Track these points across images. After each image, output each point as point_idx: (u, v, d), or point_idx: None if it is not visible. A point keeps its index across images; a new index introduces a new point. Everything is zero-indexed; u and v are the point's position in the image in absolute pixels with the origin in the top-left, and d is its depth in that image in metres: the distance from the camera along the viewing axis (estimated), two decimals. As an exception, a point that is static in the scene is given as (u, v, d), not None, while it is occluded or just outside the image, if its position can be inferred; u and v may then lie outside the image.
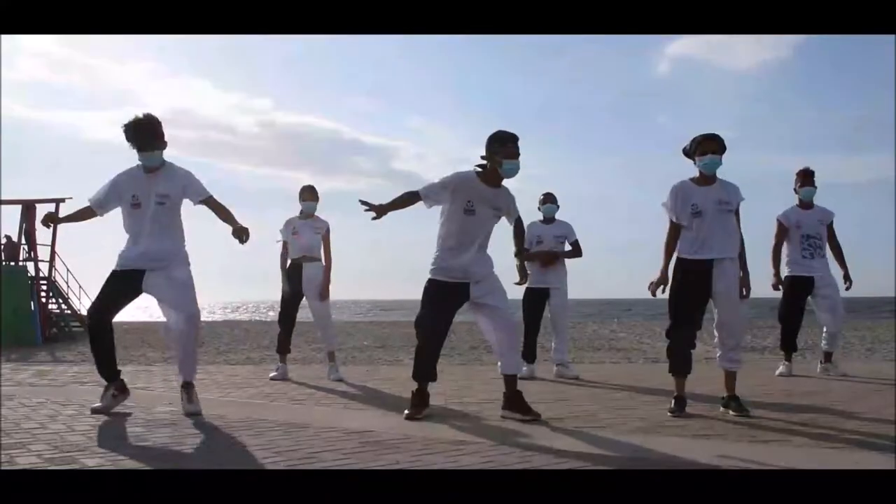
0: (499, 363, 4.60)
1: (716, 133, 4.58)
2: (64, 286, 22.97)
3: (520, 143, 4.47)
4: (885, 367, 8.01)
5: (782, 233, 6.72)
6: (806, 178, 6.66)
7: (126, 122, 4.54)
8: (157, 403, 5.04)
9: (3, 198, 21.68)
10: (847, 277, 6.72)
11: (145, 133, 4.51)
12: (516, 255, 4.79)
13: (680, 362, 4.67)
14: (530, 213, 7.00)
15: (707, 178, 4.60)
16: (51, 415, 4.52)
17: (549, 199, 6.95)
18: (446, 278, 4.49)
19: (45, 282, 22.17)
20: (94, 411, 4.55)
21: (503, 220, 4.67)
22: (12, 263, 21.66)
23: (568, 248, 6.96)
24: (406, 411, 4.47)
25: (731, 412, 4.56)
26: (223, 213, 4.69)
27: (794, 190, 6.75)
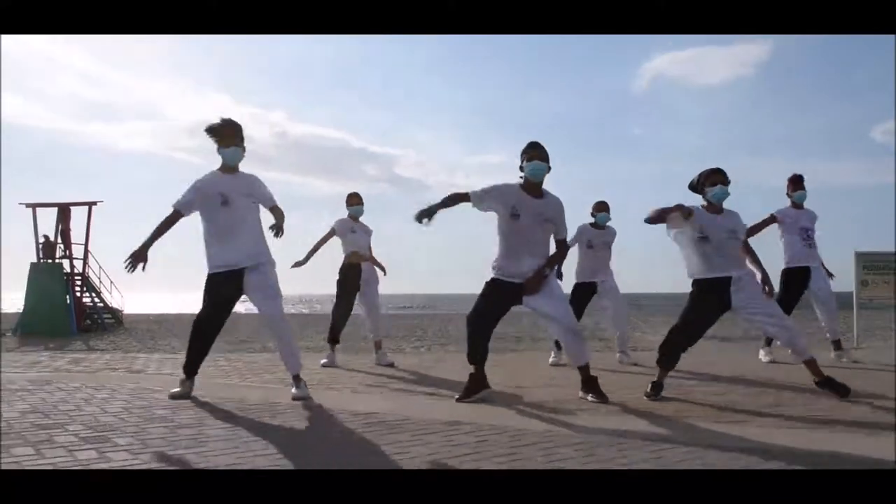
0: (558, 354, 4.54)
1: (719, 167, 4.66)
2: (97, 281, 23.01)
3: (544, 151, 4.45)
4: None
5: (767, 223, 6.62)
6: (798, 183, 6.66)
7: (214, 121, 4.55)
8: (182, 388, 5.04)
9: (37, 201, 21.71)
10: (829, 273, 6.86)
11: (234, 130, 4.52)
12: (540, 269, 4.47)
13: (671, 360, 4.71)
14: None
15: (716, 208, 4.65)
16: (85, 398, 4.53)
17: (603, 208, 6.89)
18: (503, 277, 4.50)
19: (79, 277, 22.19)
20: (173, 397, 4.51)
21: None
22: (49, 261, 21.68)
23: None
24: (457, 395, 4.50)
25: (829, 391, 4.57)
26: (279, 217, 4.63)
27: (787, 194, 6.72)
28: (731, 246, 4.60)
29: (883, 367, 6.49)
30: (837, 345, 6.87)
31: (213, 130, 4.53)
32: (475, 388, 4.50)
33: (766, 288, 4.69)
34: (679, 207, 4.46)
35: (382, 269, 7.00)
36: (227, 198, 4.50)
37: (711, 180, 4.62)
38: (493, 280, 4.55)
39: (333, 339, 6.83)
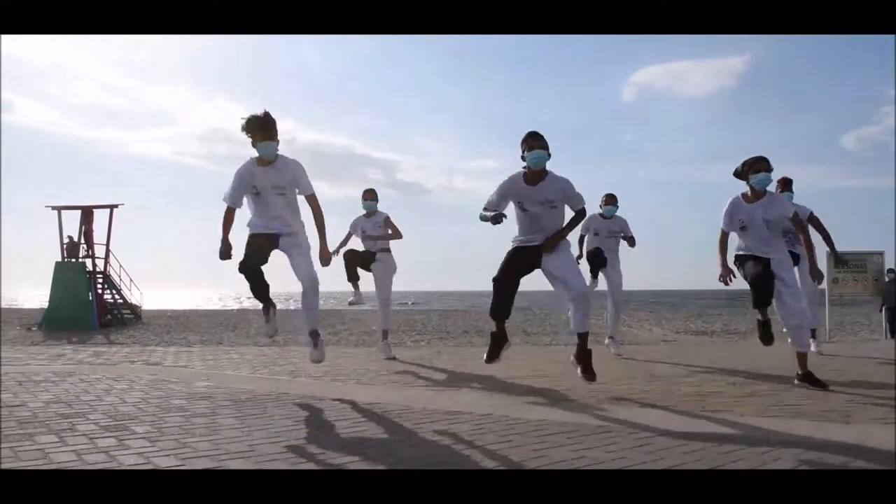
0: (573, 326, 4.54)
1: (763, 156, 4.66)
2: (117, 279, 23.00)
3: (543, 140, 4.35)
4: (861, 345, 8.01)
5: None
6: (785, 185, 6.63)
7: (246, 117, 4.43)
8: (197, 379, 5.03)
9: (59, 205, 21.72)
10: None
11: (265, 124, 4.40)
12: (558, 231, 4.42)
13: (765, 298, 4.71)
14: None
15: (758, 194, 4.67)
16: (106, 389, 4.51)
17: (610, 202, 6.93)
18: (519, 244, 4.47)
19: (101, 275, 22.18)
20: (268, 334, 4.86)
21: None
22: (73, 260, 21.67)
23: (622, 241, 7.02)
24: (484, 356, 4.56)
25: (808, 386, 4.59)
26: (319, 218, 4.61)
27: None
28: (771, 229, 4.65)
29: (853, 358, 6.51)
30: (812, 334, 6.90)
31: (245, 128, 4.43)
32: (498, 345, 4.53)
33: (814, 276, 4.82)
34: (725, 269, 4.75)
35: (397, 235, 6.80)
36: (259, 191, 4.50)
37: (755, 168, 4.64)
38: (513, 247, 4.51)
39: (351, 279, 6.74)
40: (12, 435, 3.07)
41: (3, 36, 4.42)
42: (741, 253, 4.80)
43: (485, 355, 4.58)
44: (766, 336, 4.89)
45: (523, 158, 4.42)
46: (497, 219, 4.36)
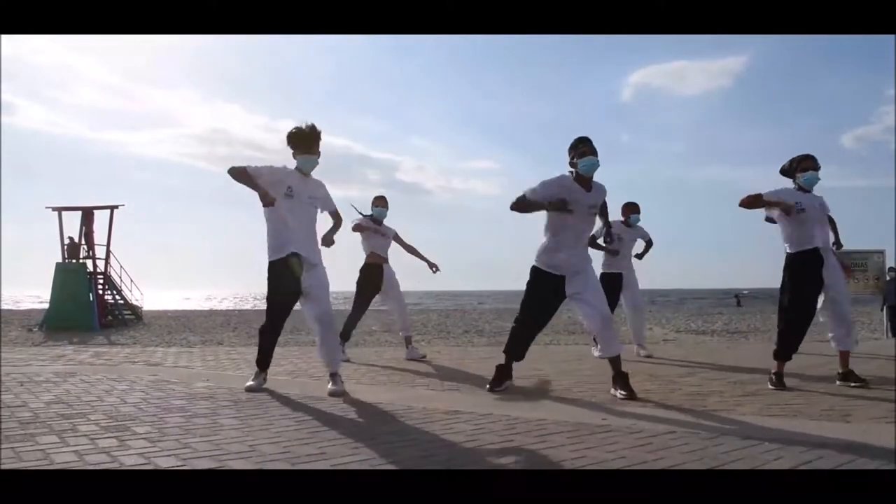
0: (598, 347, 4.46)
1: (811, 154, 4.63)
2: (118, 280, 23.02)
3: (594, 146, 4.30)
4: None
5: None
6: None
7: (292, 128, 4.39)
8: (197, 380, 5.03)
9: (59, 206, 21.74)
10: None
11: (308, 137, 4.36)
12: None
13: (790, 349, 4.66)
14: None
15: (805, 191, 4.63)
16: (107, 389, 4.51)
17: (636, 210, 7.01)
18: (547, 269, 4.39)
19: (101, 276, 22.20)
20: (249, 390, 4.43)
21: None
22: (74, 261, 21.70)
23: (642, 245, 7.16)
24: (488, 385, 4.48)
25: (851, 384, 4.59)
26: (338, 224, 4.65)
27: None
28: (822, 218, 4.63)
29: (853, 357, 6.48)
30: None
31: (291, 137, 4.38)
32: (502, 378, 4.51)
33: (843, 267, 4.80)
34: (782, 204, 4.50)
35: (431, 264, 6.81)
36: (294, 191, 4.34)
37: (803, 166, 4.60)
38: (538, 272, 4.43)
39: (343, 337, 6.75)
40: (14, 435, 3.07)
41: (3, 36, 4.40)
42: (796, 251, 4.61)
43: (488, 384, 4.52)
44: (779, 382, 4.61)
45: (573, 164, 4.33)
46: (564, 204, 4.21)
